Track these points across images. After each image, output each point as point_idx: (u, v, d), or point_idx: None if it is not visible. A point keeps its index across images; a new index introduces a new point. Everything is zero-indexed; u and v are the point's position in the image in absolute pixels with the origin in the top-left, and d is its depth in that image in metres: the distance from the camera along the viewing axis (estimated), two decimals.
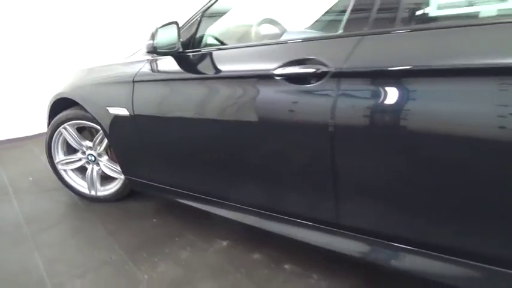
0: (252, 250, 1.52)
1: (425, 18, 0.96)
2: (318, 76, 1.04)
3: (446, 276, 0.99)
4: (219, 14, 1.53)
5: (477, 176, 0.86)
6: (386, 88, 0.94)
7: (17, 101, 3.44)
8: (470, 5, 0.92)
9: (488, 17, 0.94)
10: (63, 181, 2.09)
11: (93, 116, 1.76)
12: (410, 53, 0.93)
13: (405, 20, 1.00)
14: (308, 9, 2.11)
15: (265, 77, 1.16)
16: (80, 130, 1.99)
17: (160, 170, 1.66)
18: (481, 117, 0.81)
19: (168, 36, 1.37)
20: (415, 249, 1.03)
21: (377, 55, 0.98)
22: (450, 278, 0.99)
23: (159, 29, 1.35)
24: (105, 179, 2.03)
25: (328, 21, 1.91)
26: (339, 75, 1.00)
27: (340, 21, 1.09)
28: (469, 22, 0.92)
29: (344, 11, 1.09)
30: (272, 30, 1.75)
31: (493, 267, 0.90)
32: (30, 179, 2.48)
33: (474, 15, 0.95)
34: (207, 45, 1.50)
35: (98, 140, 1.91)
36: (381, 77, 0.96)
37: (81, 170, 2.07)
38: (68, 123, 1.92)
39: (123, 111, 1.60)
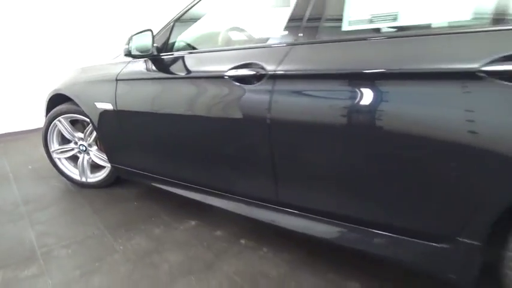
0: (216, 228, 1.75)
1: (341, 32, 1.18)
2: (258, 77, 1.26)
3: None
4: (191, 21, 1.76)
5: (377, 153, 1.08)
6: (312, 87, 1.17)
7: (20, 98, 3.73)
8: (377, 21, 1.14)
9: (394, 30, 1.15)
10: (58, 168, 2.33)
11: (83, 110, 2.00)
12: (329, 59, 1.16)
13: (326, 32, 1.22)
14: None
15: (220, 78, 1.39)
16: (74, 123, 2.23)
17: (139, 157, 1.90)
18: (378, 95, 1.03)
19: (143, 42, 1.60)
20: (338, 222, 1.25)
21: (304, 61, 1.21)
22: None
23: (134, 36, 1.60)
24: (95, 167, 2.27)
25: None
26: (274, 77, 1.23)
27: (280, 31, 1.32)
28: (374, 35, 1.14)
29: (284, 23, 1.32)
30: (239, 36, 1.98)
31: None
32: (30, 167, 2.74)
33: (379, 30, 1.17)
34: (178, 49, 1.72)
35: (88, 132, 2.15)
36: (307, 78, 1.19)
37: (74, 159, 2.32)
38: (62, 116, 2.17)
39: (108, 106, 1.84)
